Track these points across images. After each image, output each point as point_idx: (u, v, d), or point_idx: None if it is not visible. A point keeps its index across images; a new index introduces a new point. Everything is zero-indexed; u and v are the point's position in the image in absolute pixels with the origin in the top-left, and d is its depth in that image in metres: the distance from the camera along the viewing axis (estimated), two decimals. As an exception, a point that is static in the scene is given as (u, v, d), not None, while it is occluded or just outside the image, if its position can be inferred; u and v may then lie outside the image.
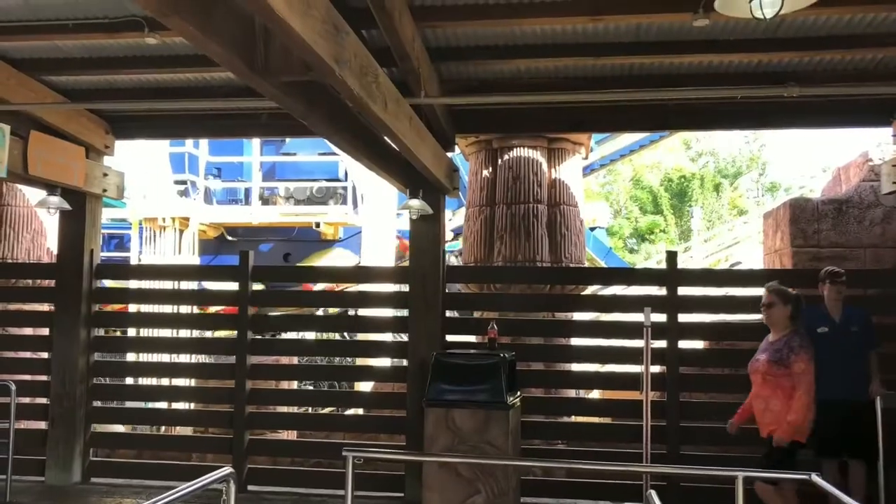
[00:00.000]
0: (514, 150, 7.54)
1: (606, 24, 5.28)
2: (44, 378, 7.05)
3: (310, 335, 8.02)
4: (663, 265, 6.92)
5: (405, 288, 6.72)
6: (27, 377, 7.21)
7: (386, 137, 5.10)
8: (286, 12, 2.66)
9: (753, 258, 13.96)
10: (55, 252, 7.48)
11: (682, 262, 15.51)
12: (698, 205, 32.89)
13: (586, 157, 8.95)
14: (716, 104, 6.30)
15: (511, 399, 5.67)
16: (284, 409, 7.45)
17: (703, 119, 6.65)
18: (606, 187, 36.82)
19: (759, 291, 7.04)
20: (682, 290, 6.45)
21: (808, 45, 5.45)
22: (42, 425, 7.05)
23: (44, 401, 7.02)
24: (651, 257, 28.84)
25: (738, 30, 5.28)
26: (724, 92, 5.99)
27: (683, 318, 6.44)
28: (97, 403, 7.20)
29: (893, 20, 5.12)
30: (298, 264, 13.08)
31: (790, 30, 5.29)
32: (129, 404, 8.63)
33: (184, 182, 13.47)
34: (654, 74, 6.15)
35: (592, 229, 17.83)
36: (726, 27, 5.23)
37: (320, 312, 11.22)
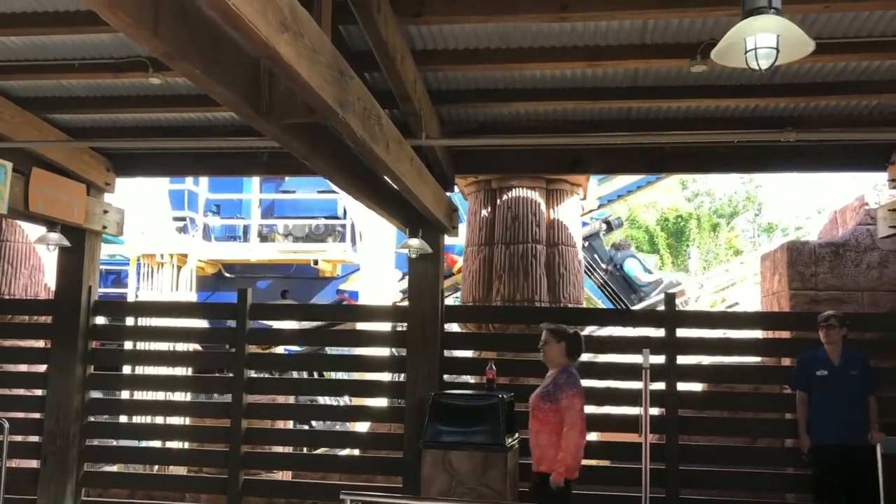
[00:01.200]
0: (513, 190, 7.59)
1: (604, 69, 5.36)
2: (37, 416, 6.98)
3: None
4: (661, 306, 6.92)
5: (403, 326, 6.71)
6: (20, 415, 7.15)
7: (387, 178, 5.14)
8: (294, 59, 2.70)
9: (750, 299, 13.94)
10: (52, 288, 7.46)
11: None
12: (695, 244, 32.93)
13: (584, 198, 9.00)
14: (713, 147, 6.37)
15: (509, 441, 5.63)
16: (280, 448, 7.38)
17: (700, 162, 6.71)
18: (603, 226, 36.87)
19: (758, 334, 7.08)
20: (681, 332, 6.44)
21: (805, 91, 5.53)
22: (34, 464, 6.97)
23: (36, 439, 6.95)
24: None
25: (734, 76, 5.36)
26: (721, 136, 6.07)
27: (682, 359, 6.42)
28: (91, 442, 7.13)
29: (888, 68, 5.21)
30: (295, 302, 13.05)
31: (786, 76, 5.37)
32: (123, 443, 8.54)
33: (183, 219, 13.50)
34: (652, 118, 6.24)
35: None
36: (723, 73, 5.31)
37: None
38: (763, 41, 2.99)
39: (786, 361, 6.57)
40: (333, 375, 9.92)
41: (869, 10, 4.42)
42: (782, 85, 5.50)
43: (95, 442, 7.35)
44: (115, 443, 8.47)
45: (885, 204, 6.50)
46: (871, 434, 5.47)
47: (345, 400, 9.59)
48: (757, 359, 7.01)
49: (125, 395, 9.74)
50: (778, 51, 3.00)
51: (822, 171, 6.83)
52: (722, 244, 34.06)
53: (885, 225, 6.28)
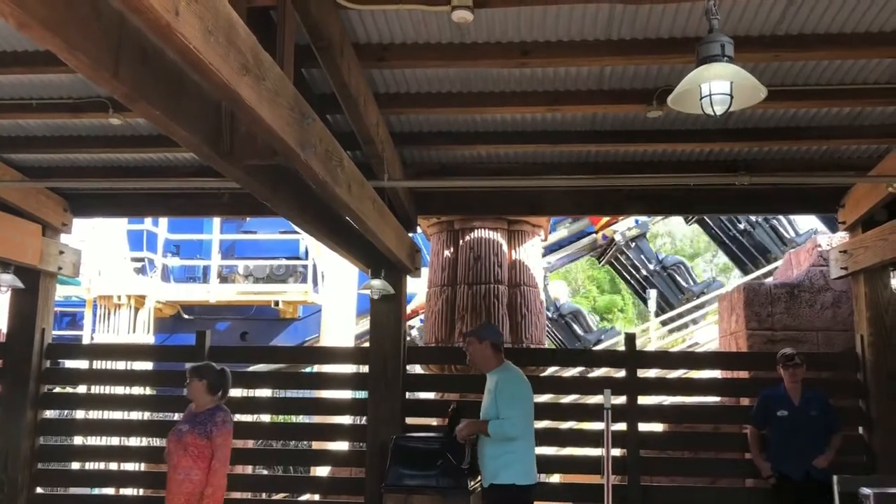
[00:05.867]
0: (475, 231, 7.64)
1: (564, 113, 5.46)
2: (-15, 463, 6.74)
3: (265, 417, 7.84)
4: (622, 346, 6.97)
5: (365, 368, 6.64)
6: (-33, 462, 6.89)
7: (349, 219, 5.13)
8: (255, 102, 2.71)
9: (710, 339, 14.16)
10: (4, 331, 7.26)
11: (641, 343, 15.75)
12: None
13: (545, 239, 9.09)
14: (670, 190, 6.50)
15: (472, 484, 5.57)
16: (238, 494, 7.19)
17: (659, 204, 6.83)
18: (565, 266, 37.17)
19: (717, 374, 7.16)
20: (642, 373, 6.48)
21: (757, 135, 5.68)
22: (-21, 514, 6.71)
23: (-17, 488, 6.69)
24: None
25: (690, 121, 5.50)
26: (678, 179, 6.19)
27: (643, 399, 6.45)
28: (40, 490, 6.88)
29: (835, 115, 5.39)
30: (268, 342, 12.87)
31: (739, 121, 5.52)
32: (75, 490, 8.25)
33: (141, 259, 13.29)
34: (611, 161, 6.34)
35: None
36: (678, 118, 5.44)
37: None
38: (717, 88, 3.07)
39: (745, 401, 6.63)
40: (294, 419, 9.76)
41: (816, 59, 4.59)
42: (736, 130, 5.65)
43: (46, 490, 7.08)
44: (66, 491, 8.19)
45: (836, 246, 6.67)
46: (819, 459, 5.48)
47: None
48: (716, 398, 7.08)
49: (78, 440, 9.46)
50: (732, 97, 3.08)
51: (776, 212, 7.03)
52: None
53: (837, 266, 6.44)
